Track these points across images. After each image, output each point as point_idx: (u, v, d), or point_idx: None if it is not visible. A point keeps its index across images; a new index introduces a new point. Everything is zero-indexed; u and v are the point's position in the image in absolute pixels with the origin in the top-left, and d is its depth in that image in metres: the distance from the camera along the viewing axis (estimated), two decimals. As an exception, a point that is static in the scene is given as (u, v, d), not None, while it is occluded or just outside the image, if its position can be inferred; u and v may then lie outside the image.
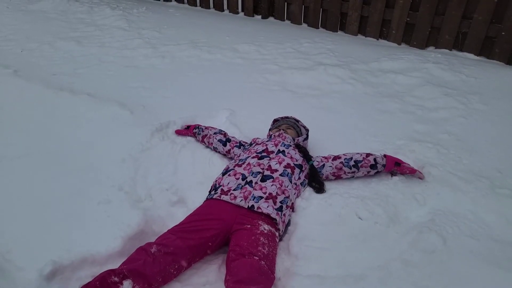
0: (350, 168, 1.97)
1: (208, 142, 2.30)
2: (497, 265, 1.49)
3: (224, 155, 2.27)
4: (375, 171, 1.97)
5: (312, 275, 1.51)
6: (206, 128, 2.35)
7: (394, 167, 1.95)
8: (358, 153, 2.01)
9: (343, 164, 1.98)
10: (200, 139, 2.35)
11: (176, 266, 1.51)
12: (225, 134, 2.29)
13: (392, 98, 2.90)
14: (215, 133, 2.28)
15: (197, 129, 2.37)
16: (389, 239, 1.64)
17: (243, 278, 1.39)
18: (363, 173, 1.98)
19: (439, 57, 3.49)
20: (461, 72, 3.16)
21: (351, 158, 1.98)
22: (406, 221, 1.70)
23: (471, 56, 3.64)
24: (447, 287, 1.40)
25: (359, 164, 1.96)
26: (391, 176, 1.99)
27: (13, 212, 1.81)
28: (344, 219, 1.76)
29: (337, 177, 2.01)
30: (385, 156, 1.99)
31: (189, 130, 2.41)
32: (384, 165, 1.95)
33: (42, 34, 4.17)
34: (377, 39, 4.16)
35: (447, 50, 3.76)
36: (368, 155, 1.99)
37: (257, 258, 1.47)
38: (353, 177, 2.00)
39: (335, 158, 2.02)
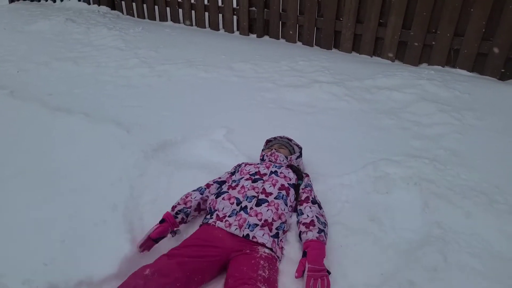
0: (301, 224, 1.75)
1: (207, 197, 1.95)
2: (498, 282, 1.47)
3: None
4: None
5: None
6: (185, 203, 1.89)
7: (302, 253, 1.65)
8: (311, 230, 1.67)
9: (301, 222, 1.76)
10: (194, 212, 1.91)
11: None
12: (209, 185, 2.00)
13: (388, 114, 2.92)
14: (202, 193, 1.94)
15: (180, 213, 1.85)
16: (388, 257, 1.62)
17: None
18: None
19: (432, 74, 3.54)
20: (454, 88, 3.20)
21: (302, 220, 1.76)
22: (405, 239, 1.68)
23: (464, 72, 3.70)
24: (450, 306, 1.38)
25: (298, 224, 1.76)
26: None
27: (6, 234, 1.77)
28: (341, 238, 1.74)
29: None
30: (311, 241, 1.63)
31: (167, 224, 1.81)
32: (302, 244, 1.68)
33: (39, 54, 4.20)
34: (371, 57, 4.23)
35: (440, 67, 3.83)
36: (309, 225, 1.69)
37: (259, 284, 1.43)
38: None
39: (306, 224, 1.73)
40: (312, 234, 1.65)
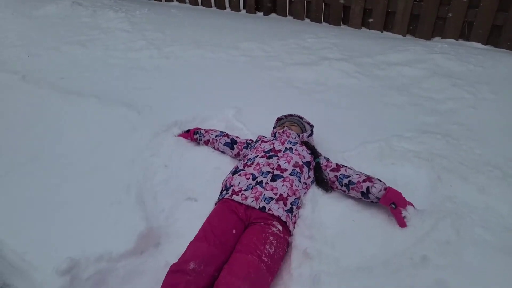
0: (342, 186, 1.85)
1: (214, 147, 2.30)
2: (512, 254, 1.48)
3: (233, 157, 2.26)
4: (367, 200, 1.78)
5: (322, 271, 1.51)
6: (206, 132, 2.33)
7: (389, 206, 1.70)
8: (358, 174, 1.83)
9: (337, 179, 1.86)
10: (203, 144, 2.34)
11: (217, 275, 1.47)
12: (227, 135, 2.27)
13: (399, 90, 2.88)
14: (217, 136, 2.27)
15: (197, 134, 2.35)
16: (401, 231, 1.63)
17: (237, 274, 1.41)
18: (354, 195, 1.82)
19: (445, 47, 3.45)
20: (468, 62, 3.13)
21: (348, 176, 1.83)
22: (418, 213, 1.68)
23: (478, 45, 3.60)
24: (463, 278, 1.39)
25: (351, 186, 1.80)
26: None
27: (27, 214, 1.84)
28: (353, 213, 1.76)
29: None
30: (386, 189, 1.73)
31: (189, 135, 2.39)
32: (378, 198, 1.72)
33: (48, 39, 4.21)
34: (382, 32, 4.13)
35: (453, 40, 3.73)
36: (367, 180, 1.78)
37: (257, 259, 1.47)
38: (345, 193, 1.86)
39: (334, 169, 1.90)
40: (381, 184, 1.75)
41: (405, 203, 1.69)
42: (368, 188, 1.75)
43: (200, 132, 2.35)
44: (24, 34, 4.40)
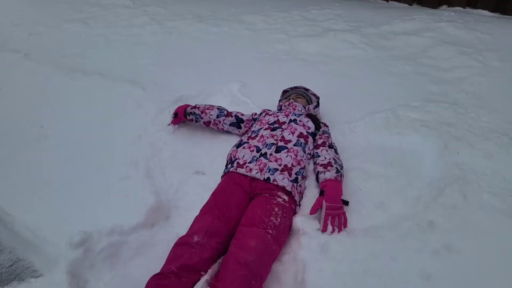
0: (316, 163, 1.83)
1: (217, 128, 2.19)
2: (519, 218, 1.49)
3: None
4: (317, 181, 1.76)
5: (330, 239, 1.53)
6: (202, 112, 2.16)
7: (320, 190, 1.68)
8: (326, 157, 1.79)
9: (312, 155, 1.89)
10: (202, 124, 2.19)
11: (220, 247, 1.50)
12: (229, 114, 2.16)
13: (405, 60, 2.83)
14: (218, 117, 2.14)
15: (192, 115, 2.18)
16: (409, 196, 1.64)
17: (245, 247, 1.43)
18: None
19: (452, 16, 3.38)
20: (476, 30, 3.06)
21: (318, 156, 1.83)
22: (426, 179, 1.69)
23: (486, 12, 3.53)
24: (470, 241, 1.41)
25: (314, 165, 1.84)
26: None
27: (37, 191, 1.87)
28: (360, 182, 1.77)
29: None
30: (328, 180, 1.67)
31: (180, 118, 2.22)
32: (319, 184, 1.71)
33: (48, 17, 4.17)
34: (387, 1, 4.04)
35: (460, 8, 3.64)
36: (327, 165, 1.74)
37: (263, 231, 1.48)
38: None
39: (316, 145, 1.90)
40: (329, 174, 1.69)
41: (331, 199, 1.58)
42: (318, 172, 1.75)
43: (195, 112, 2.17)
44: (24, 13, 4.35)
